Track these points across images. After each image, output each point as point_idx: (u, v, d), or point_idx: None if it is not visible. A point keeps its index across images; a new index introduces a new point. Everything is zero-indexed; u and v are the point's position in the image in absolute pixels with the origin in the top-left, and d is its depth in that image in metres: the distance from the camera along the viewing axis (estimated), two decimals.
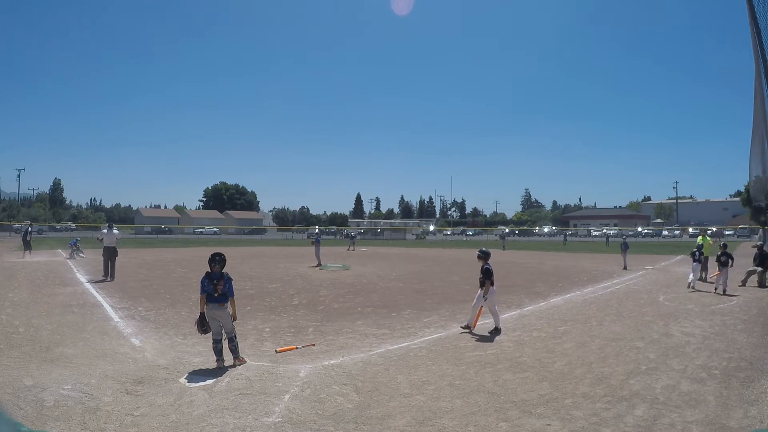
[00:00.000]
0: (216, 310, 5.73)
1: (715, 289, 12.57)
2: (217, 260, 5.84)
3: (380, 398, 4.84)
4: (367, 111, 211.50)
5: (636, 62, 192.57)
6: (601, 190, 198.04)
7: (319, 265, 19.93)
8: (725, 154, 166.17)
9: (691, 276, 13.54)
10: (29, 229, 24.56)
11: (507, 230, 66.15)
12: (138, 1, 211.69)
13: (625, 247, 20.80)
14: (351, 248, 35.72)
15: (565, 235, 58.61)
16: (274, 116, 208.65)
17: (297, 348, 6.77)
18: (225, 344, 5.86)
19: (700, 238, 15.67)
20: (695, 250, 14.10)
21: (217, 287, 5.71)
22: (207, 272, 5.85)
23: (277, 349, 6.64)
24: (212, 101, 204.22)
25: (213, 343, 5.79)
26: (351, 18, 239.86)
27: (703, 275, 15.09)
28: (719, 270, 12.61)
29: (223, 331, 5.82)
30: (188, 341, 7.13)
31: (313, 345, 6.97)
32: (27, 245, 23.20)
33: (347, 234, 52.47)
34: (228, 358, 5.84)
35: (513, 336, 7.73)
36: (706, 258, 15.15)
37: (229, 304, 5.83)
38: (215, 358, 5.74)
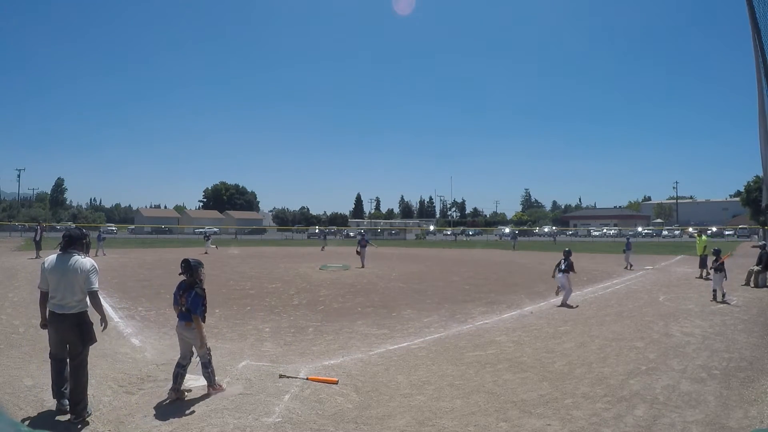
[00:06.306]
0: (182, 329, 4.85)
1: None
2: (183, 267, 4.91)
3: (380, 398, 4.84)
4: (367, 111, 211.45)
5: (636, 62, 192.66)
6: (601, 190, 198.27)
7: (362, 267, 19.69)
8: (725, 153, 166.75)
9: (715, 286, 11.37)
10: (39, 228, 24.14)
11: (511, 230, 62.42)
12: (139, 2, 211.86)
13: (628, 247, 21.23)
14: (205, 249, 30.30)
15: (554, 235, 62.37)
16: (275, 116, 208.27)
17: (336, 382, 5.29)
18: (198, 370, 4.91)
19: (699, 237, 15.94)
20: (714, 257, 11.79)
21: (181, 300, 4.86)
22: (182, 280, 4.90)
23: (309, 377, 5.38)
24: (212, 101, 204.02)
25: (176, 366, 4.78)
26: (352, 18, 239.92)
27: (703, 273, 15.56)
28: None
29: (195, 356, 4.88)
30: None
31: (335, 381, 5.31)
32: (38, 245, 22.88)
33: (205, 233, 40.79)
34: (196, 386, 4.94)
35: (513, 336, 7.73)
36: (706, 257, 15.49)
37: (194, 324, 4.74)
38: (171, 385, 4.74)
